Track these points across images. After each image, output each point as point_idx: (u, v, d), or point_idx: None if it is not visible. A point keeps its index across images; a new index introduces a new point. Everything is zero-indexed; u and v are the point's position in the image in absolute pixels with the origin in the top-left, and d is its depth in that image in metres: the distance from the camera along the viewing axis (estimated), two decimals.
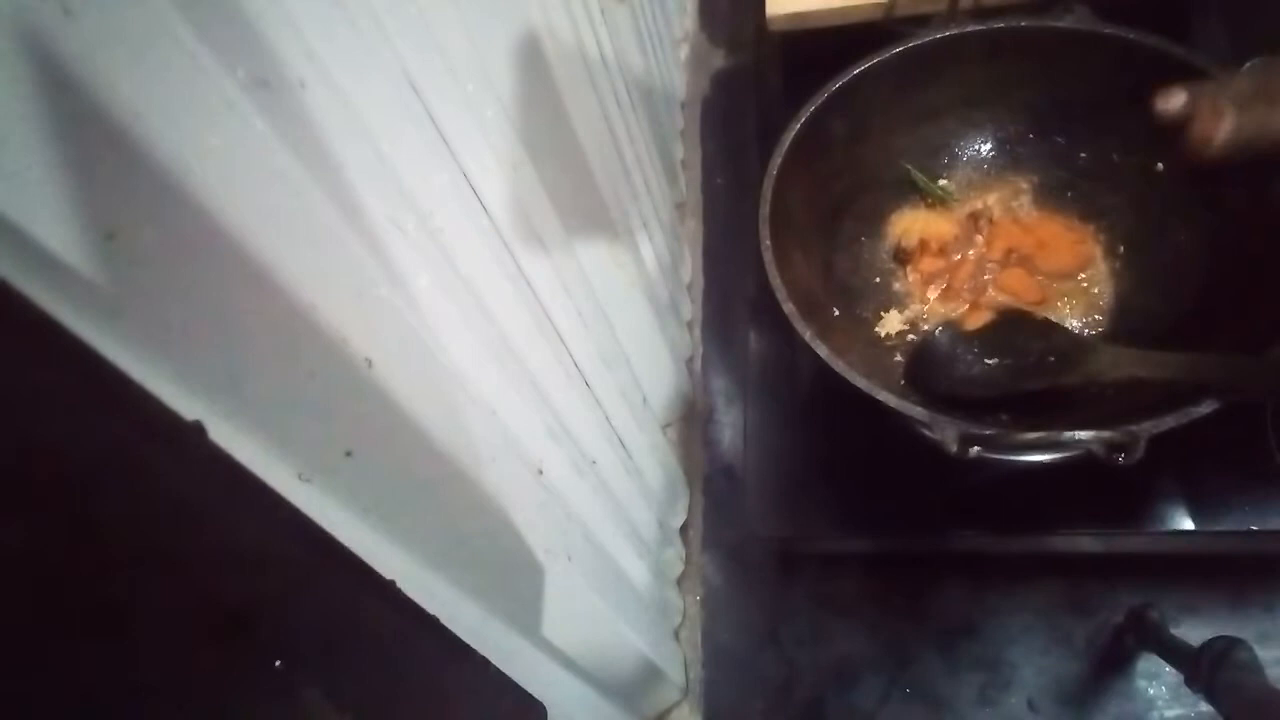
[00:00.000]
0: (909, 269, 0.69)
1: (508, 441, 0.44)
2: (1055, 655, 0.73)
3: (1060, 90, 0.65)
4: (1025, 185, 0.69)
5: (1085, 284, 0.65)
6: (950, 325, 0.63)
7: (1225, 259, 0.57)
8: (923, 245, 0.68)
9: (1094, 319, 0.64)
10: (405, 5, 0.37)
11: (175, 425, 0.21)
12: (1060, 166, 0.68)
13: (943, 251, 0.68)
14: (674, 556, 0.82)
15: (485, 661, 0.34)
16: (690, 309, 0.96)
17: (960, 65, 0.64)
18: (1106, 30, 0.59)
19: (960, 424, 0.49)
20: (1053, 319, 0.62)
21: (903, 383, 0.63)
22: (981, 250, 0.68)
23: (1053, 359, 0.57)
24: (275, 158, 0.28)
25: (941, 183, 0.70)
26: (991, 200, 0.69)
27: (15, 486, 0.17)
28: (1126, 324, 0.62)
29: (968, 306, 0.67)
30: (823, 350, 0.53)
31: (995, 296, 0.67)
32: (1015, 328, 0.61)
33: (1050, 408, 0.58)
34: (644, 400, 0.75)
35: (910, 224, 0.70)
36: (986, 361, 0.60)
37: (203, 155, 0.25)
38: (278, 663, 0.23)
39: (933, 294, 0.68)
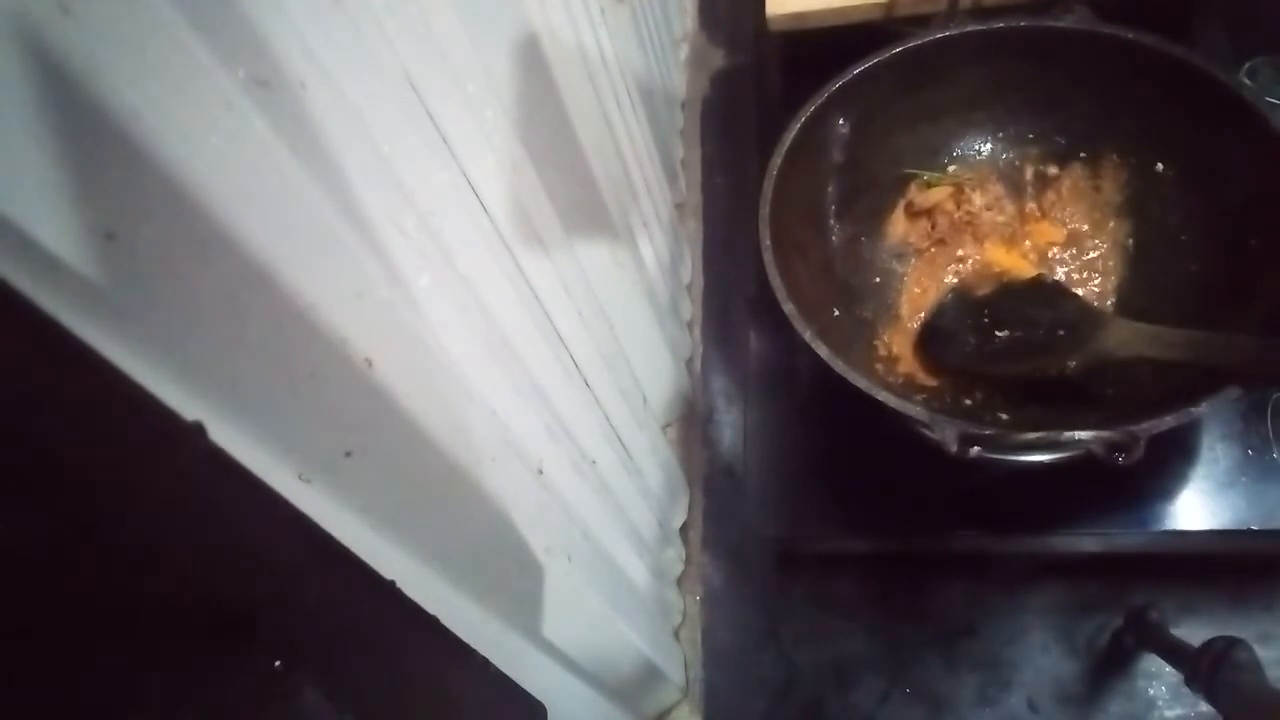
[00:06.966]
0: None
1: (508, 441, 0.44)
2: (1055, 655, 0.73)
3: (1060, 90, 0.65)
4: (1024, 184, 0.69)
5: (1087, 286, 0.65)
6: (960, 291, 0.63)
7: (1225, 257, 0.57)
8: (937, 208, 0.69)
9: None
10: (405, 5, 0.37)
11: (175, 425, 0.21)
12: (1059, 166, 0.68)
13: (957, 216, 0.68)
14: (674, 556, 0.82)
15: (485, 661, 0.34)
16: (690, 309, 0.96)
17: (960, 65, 0.64)
18: (1106, 30, 0.59)
19: (960, 424, 0.49)
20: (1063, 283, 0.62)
21: (916, 353, 0.63)
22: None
23: (1062, 332, 0.57)
24: (275, 158, 0.28)
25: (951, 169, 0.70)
26: (989, 199, 0.69)
27: (16, 486, 0.17)
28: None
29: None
30: (823, 350, 0.53)
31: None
32: (1025, 294, 0.61)
33: (1051, 404, 0.58)
34: (644, 400, 0.75)
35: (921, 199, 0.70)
36: (996, 335, 0.60)
37: (202, 155, 0.25)
38: (278, 663, 0.23)
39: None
